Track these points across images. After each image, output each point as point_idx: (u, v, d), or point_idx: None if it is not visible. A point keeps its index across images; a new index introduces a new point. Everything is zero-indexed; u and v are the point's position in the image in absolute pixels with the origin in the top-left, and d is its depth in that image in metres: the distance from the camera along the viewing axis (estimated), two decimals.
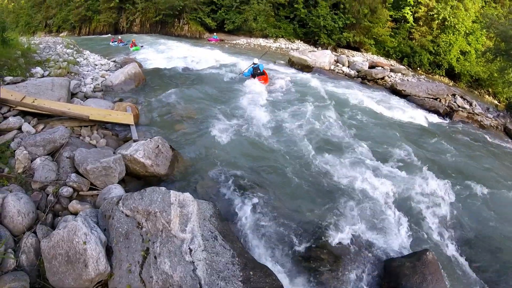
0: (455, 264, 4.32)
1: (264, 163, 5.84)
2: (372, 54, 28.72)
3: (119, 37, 24.35)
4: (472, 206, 5.63)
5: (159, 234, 3.17)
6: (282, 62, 17.78)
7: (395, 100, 12.15)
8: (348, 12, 27.83)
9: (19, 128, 4.66)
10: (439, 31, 27.55)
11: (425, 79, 19.99)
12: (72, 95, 6.87)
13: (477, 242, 4.81)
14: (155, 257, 3.00)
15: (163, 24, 33.78)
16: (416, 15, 28.34)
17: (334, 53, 22.56)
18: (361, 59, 21.08)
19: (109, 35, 31.87)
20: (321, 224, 4.47)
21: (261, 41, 28.98)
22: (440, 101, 12.78)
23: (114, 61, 12.13)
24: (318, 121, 7.90)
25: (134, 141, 5.27)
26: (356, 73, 15.81)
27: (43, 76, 7.26)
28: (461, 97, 13.56)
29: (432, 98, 12.78)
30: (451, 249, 4.54)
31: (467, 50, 27.01)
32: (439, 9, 26.77)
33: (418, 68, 27.67)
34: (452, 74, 27.28)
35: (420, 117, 10.51)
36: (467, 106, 12.86)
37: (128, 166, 4.61)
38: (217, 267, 3.05)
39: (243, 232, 4.17)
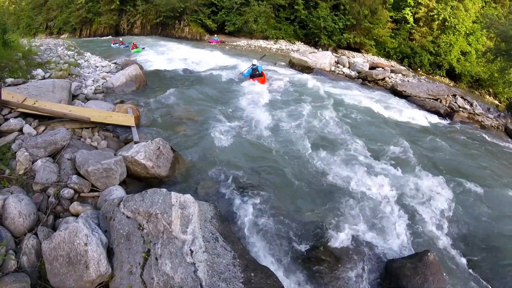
0: (456, 265, 4.31)
1: (264, 163, 5.84)
2: (373, 55, 28.72)
3: (120, 39, 24.38)
4: (473, 206, 5.61)
5: (160, 235, 3.17)
6: (283, 63, 17.80)
7: (395, 101, 12.14)
8: (348, 13, 27.86)
9: (20, 130, 4.68)
10: (439, 32, 27.56)
11: (426, 79, 19.96)
12: (73, 97, 6.88)
13: (479, 243, 4.80)
14: (156, 259, 3.00)
15: (163, 26, 33.80)
16: (416, 15, 28.35)
17: (334, 54, 22.60)
18: (362, 60, 21.09)
19: (110, 37, 31.91)
20: (321, 225, 4.47)
21: (262, 43, 29.00)
22: (440, 101, 12.77)
23: (115, 63, 12.13)
24: (317, 121, 7.92)
25: (135, 142, 5.28)
26: (357, 74, 15.83)
27: (44, 78, 7.28)
28: (462, 97, 13.55)
29: (432, 99, 12.78)
30: (452, 250, 4.53)
31: (467, 51, 27.00)
32: (439, 9, 26.79)
33: (419, 69, 27.66)
34: (452, 75, 27.27)
35: (421, 118, 10.49)
36: (467, 107, 12.85)
37: (129, 167, 4.62)
38: (218, 269, 3.05)
39: (244, 233, 4.17)
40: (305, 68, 15.59)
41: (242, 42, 29.00)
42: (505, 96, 23.98)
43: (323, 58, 16.22)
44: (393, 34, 29.09)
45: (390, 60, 27.88)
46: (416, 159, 6.71)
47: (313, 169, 5.83)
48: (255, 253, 3.92)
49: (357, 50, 29.30)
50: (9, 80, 6.24)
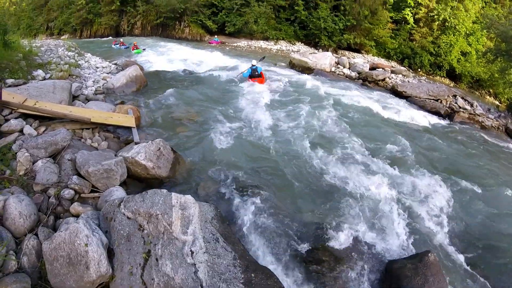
0: (456, 266, 4.30)
1: (264, 164, 5.84)
2: (373, 55, 28.77)
3: (121, 39, 24.42)
4: (474, 206, 5.60)
5: (160, 236, 3.17)
6: (283, 64, 17.82)
7: (396, 101, 12.13)
8: (348, 14, 27.92)
9: (21, 131, 4.68)
10: (439, 32, 27.60)
11: (426, 80, 19.97)
12: (73, 98, 6.89)
13: (480, 244, 4.78)
14: (157, 259, 3.00)
15: (164, 27, 33.88)
16: (416, 16, 28.41)
17: (334, 55, 22.63)
18: (362, 61, 21.14)
19: (110, 37, 31.98)
20: (321, 225, 4.46)
21: (262, 44, 29.05)
22: (441, 102, 12.77)
23: (116, 64, 12.15)
24: (317, 121, 7.92)
25: (136, 143, 5.28)
26: (357, 75, 15.83)
27: (44, 78, 7.28)
28: (462, 98, 13.54)
29: (433, 99, 12.77)
30: (453, 250, 4.52)
31: (467, 51, 27.05)
32: (439, 10, 26.83)
33: (419, 69, 27.71)
34: (453, 75, 27.31)
35: (421, 118, 10.48)
36: (468, 107, 12.84)
37: (129, 168, 4.61)
38: (218, 269, 3.05)
39: (244, 234, 4.17)
40: (306, 69, 15.61)
41: (243, 43, 29.05)
42: (506, 96, 24.00)
43: (324, 59, 16.23)
44: (393, 35, 29.15)
45: (390, 60, 27.94)
46: (416, 160, 6.70)
47: (313, 169, 5.82)
48: (255, 253, 3.91)
49: (357, 51, 29.36)
50: (9, 81, 6.25)
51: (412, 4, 27.93)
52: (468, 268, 4.28)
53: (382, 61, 24.63)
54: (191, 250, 3.09)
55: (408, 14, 28.10)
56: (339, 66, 16.98)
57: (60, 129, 4.75)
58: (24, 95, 5.59)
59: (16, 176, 3.83)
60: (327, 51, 24.45)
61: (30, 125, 4.88)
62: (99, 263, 2.83)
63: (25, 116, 5.06)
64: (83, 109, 6.11)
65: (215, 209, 3.84)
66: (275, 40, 29.94)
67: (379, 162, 6.29)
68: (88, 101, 7.03)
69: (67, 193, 3.82)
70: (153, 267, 2.95)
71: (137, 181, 4.79)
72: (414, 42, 28.53)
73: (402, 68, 21.27)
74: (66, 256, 2.82)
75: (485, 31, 24.59)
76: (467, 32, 27.15)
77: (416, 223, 4.84)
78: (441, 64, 27.05)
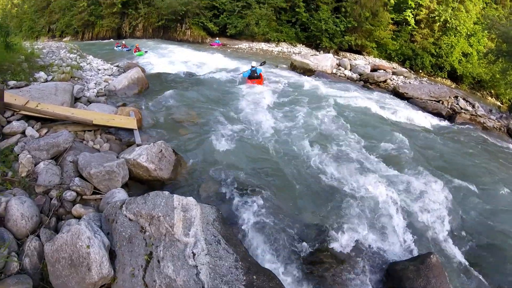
0: (459, 267, 4.28)
1: (265, 165, 5.84)
2: (374, 57, 28.76)
3: (123, 42, 24.49)
4: (476, 207, 5.58)
5: (162, 238, 3.17)
6: (284, 66, 17.82)
7: (397, 102, 12.10)
8: (349, 16, 27.93)
9: (23, 132, 4.70)
10: (440, 33, 27.58)
11: (427, 81, 19.91)
12: (75, 100, 6.91)
13: (483, 245, 4.76)
14: (159, 261, 3.00)
15: (165, 29, 33.95)
16: (417, 17, 28.39)
17: (336, 56, 22.60)
18: (363, 62, 21.06)
19: (112, 40, 32.06)
20: (323, 227, 4.45)
21: (263, 46, 29.07)
22: (442, 103, 12.74)
23: (117, 66, 12.21)
24: (318, 123, 7.92)
25: (138, 145, 5.28)
26: (358, 76, 15.81)
27: (46, 80, 7.32)
28: (464, 99, 13.52)
29: (434, 101, 12.74)
30: (455, 252, 4.49)
31: (469, 52, 27.01)
32: (440, 11, 26.82)
33: (420, 71, 27.67)
34: (454, 76, 27.27)
35: (423, 120, 10.46)
36: (469, 108, 12.81)
37: (131, 170, 4.62)
38: (220, 271, 3.04)
39: (246, 236, 4.16)
40: (307, 71, 15.59)
41: (244, 45, 29.10)
42: (507, 97, 23.95)
43: (325, 61, 16.22)
44: (394, 36, 29.15)
45: (391, 62, 27.91)
46: (418, 161, 6.68)
47: (314, 170, 5.82)
48: (257, 255, 3.90)
49: (359, 53, 29.35)
50: (11, 83, 6.28)
51: (413, 6, 27.92)
52: (471, 269, 4.26)
53: (383, 63, 24.62)
54: (193, 252, 3.09)
55: (409, 16, 28.08)
56: (340, 67, 16.96)
57: (62, 131, 4.77)
58: (26, 97, 5.61)
59: (18, 178, 3.84)
60: (328, 52, 24.46)
61: (32, 127, 4.90)
62: (101, 265, 2.83)
63: (27, 118, 5.09)
64: (85, 111, 6.13)
65: (217, 211, 3.84)
66: (276, 42, 29.96)
67: (379, 163, 6.28)
68: (90, 103, 7.05)
69: (69, 194, 3.82)
70: (155, 269, 2.95)
71: (139, 183, 4.79)
72: (415, 44, 28.51)
73: (404, 69, 21.27)
74: (68, 257, 2.82)
75: (486, 32, 24.55)
76: (468, 33, 27.12)
77: (418, 224, 4.82)
78: (443, 65, 27.01)
